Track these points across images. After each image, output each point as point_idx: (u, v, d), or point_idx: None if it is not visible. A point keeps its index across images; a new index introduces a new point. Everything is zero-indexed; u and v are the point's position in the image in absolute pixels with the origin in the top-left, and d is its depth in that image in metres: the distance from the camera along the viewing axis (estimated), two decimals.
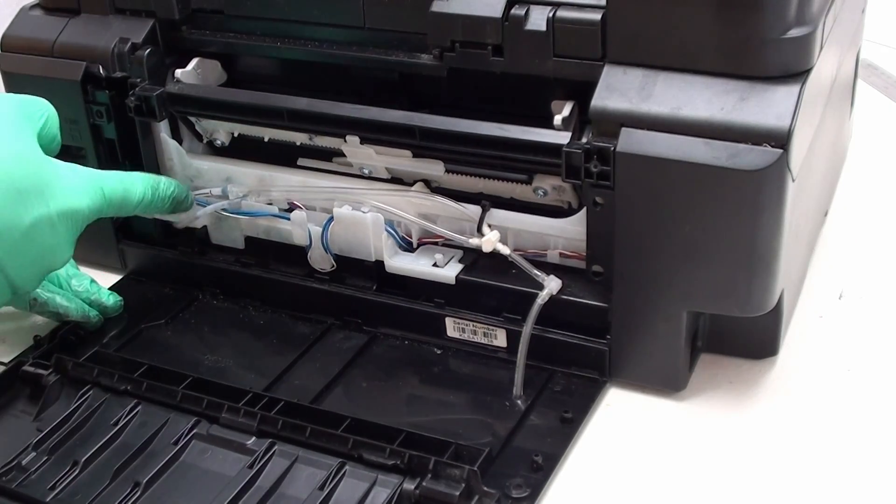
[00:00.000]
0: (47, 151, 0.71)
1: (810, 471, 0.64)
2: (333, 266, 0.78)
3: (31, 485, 0.64)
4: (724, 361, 0.73)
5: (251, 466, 0.63)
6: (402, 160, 0.75)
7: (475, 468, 0.61)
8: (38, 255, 0.67)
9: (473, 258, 0.74)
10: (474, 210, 0.72)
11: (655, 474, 0.64)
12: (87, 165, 0.79)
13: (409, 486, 0.61)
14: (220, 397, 0.68)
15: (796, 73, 0.62)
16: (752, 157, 0.61)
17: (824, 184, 0.84)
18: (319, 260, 0.78)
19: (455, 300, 0.74)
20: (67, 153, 0.81)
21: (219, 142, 0.83)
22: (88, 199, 0.69)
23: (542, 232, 0.72)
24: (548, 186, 0.72)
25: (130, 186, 0.73)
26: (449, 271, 0.73)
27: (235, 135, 0.82)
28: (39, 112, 0.71)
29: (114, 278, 0.86)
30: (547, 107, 0.70)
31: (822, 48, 0.64)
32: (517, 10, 0.67)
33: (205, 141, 0.84)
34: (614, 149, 0.63)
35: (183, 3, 0.78)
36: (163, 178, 0.76)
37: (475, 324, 0.74)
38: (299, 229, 0.77)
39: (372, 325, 0.77)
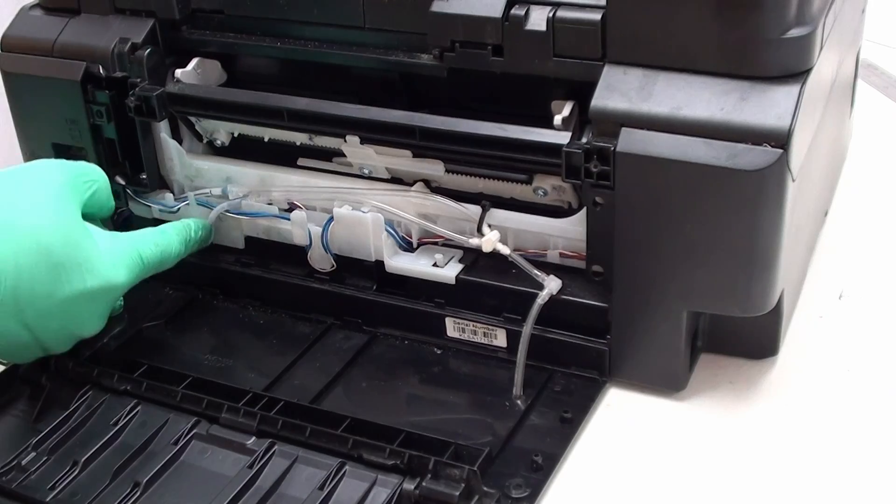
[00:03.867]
0: (98, 216, 0.73)
1: (810, 471, 0.64)
2: (333, 266, 0.78)
3: (31, 485, 0.64)
4: (724, 361, 0.73)
5: (251, 466, 0.63)
6: (402, 160, 0.75)
7: (475, 468, 0.61)
8: (70, 326, 0.68)
9: (473, 258, 0.74)
10: (474, 210, 0.72)
11: (655, 474, 0.64)
12: None
13: (409, 486, 0.61)
14: (219, 397, 0.68)
15: (796, 73, 0.62)
16: (752, 157, 0.61)
17: (824, 184, 0.84)
18: (319, 260, 0.78)
19: (455, 300, 0.74)
20: (67, 153, 0.81)
21: (219, 142, 0.83)
22: (127, 272, 0.70)
23: (542, 232, 0.72)
24: (548, 186, 0.72)
25: (167, 248, 0.74)
26: (449, 271, 0.73)
27: (235, 135, 0.82)
28: (88, 181, 0.72)
29: None
30: (547, 107, 0.70)
31: (822, 48, 0.64)
32: (517, 10, 0.67)
33: (205, 141, 0.84)
34: (614, 149, 0.63)
35: (183, 3, 0.78)
36: (191, 223, 0.77)
37: (475, 324, 0.74)
38: (299, 229, 0.77)
39: (372, 325, 0.77)
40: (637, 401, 0.70)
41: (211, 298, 0.82)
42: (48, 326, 0.66)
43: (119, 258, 0.70)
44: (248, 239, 0.81)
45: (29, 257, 0.64)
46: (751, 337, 0.72)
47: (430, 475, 0.61)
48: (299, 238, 0.78)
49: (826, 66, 0.68)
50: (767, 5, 0.60)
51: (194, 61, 0.80)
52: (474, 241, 0.72)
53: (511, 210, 0.72)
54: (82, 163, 0.73)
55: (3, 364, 0.75)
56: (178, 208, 0.81)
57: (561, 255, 0.72)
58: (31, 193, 0.67)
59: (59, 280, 0.65)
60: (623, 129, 0.63)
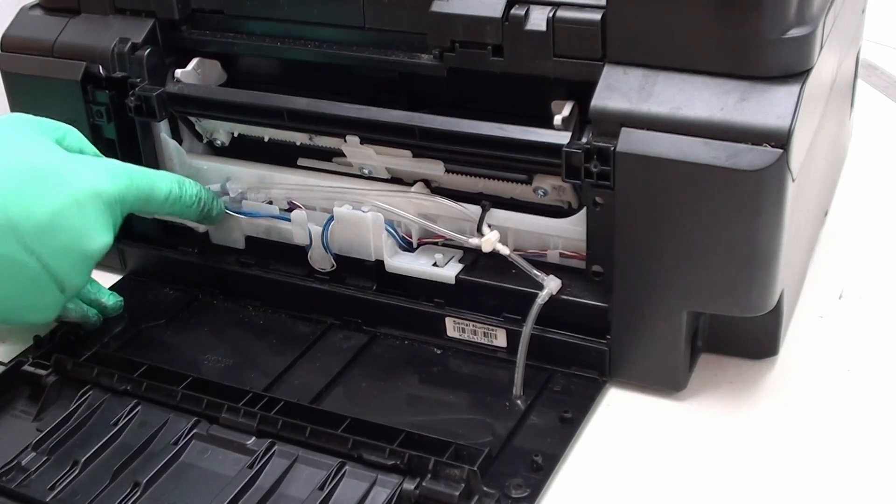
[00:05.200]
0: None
1: (810, 471, 0.64)
2: (333, 266, 0.78)
3: (31, 485, 0.64)
4: (724, 361, 0.73)
5: (251, 466, 0.63)
6: (402, 160, 0.75)
7: (475, 468, 0.61)
8: (70, 240, 0.67)
9: (473, 258, 0.74)
10: (474, 210, 0.72)
11: (655, 474, 0.64)
12: None
13: (409, 486, 0.61)
14: (219, 397, 0.68)
15: (796, 73, 0.62)
16: (752, 157, 0.61)
17: (824, 184, 0.84)
18: (319, 260, 0.78)
19: (455, 300, 0.74)
20: None
21: (219, 142, 0.83)
22: (113, 182, 0.70)
23: (542, 232, 0.72)
24: (548, 186, 0.72)
25: (157, 179, 0.74)
26: (449, 271, 0.73)
27: (235, 135, 0.82)
28: (54, 124, 0.73)
29: (114, 278, 0.86)
30: (547, 107, 0.70)
31: (822, 48, 0.64)
32: (517, 10, 0.67)
33: (205, 141, 0.84)
34: (614, 149, 0.63)
35: (183, 3, 0.78)
36: (186, 179, 0.76)
37: (475, 324, 0.74)
38: (299, 229, 0.77)
39: (372, 325, 0.77)
40: (637, 401, 0.70)
41: (211, 298, 0.82)
42: (51, 245, 0.66)
43: (104, 170, 0.70)
44: (249, 239, 0.81)
45: (10, 175, 0.65)
46: (751, 337, 0.72)
47: (430, 475, 0.61)
48: (299, 238, 0.78)
49: (826, 66, 0.68)
50: (767, 5, 0.60)
51: (194, 61, 0.80)
52: (474, 241, 0.72)
53: (511, 210, 0.72)
54: (48, 119, 0.74)
55: (2, 364, 0.75)
56: None
57: (561, 255, 0.72)
58: (5, 131, 0.69)
59: (44, 190, 0.66)
60: (623, 129, 0.63)
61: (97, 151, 0.75)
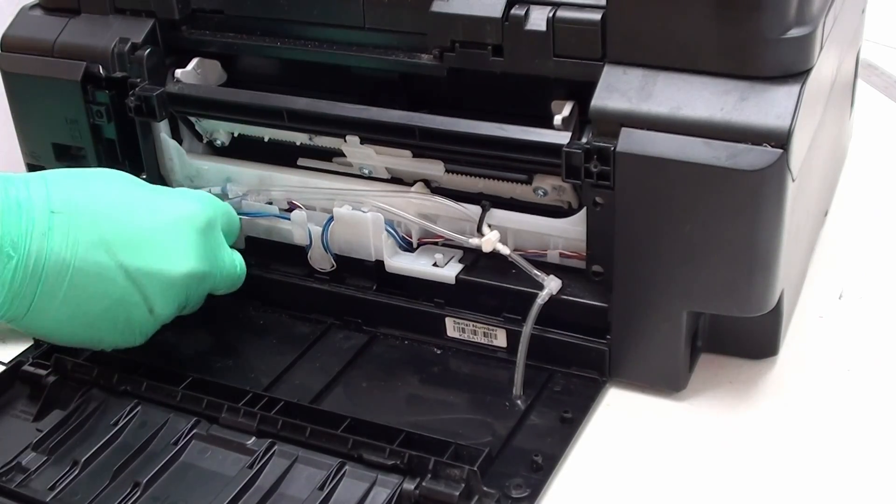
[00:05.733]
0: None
1: (810, 471, 0.64)
2: (333, 266, 0.78)
3: (31, 485, 0.64)
4: (724, 361, 0.73)
5: (251, 466, 0.63)
6: (402, 160, 0.75)
7: (475, 468, 0.61)
8: (158, 258, 0.68)
9: (473, 258, 0.74)
10: (474, 210, 0.72)
11: (655, 474, 0.64)
12: (86, 166, 0.80)
13: (409, 486, 0.61)
14: (219, 397, 0.68)
15: (796, 73, 0.62)
16: (752, 157, 0.61)
17: (824, 184, 0.84)
18: (319, 260, 0.78)
19: (455, 300, 0.74)
20: (67, 153, 0.81)
21: (219, 142, 0.83)
22: (202, 205, 0.72)
23: (542, 232, 0.72)
24: (548, 186, 0.72)
25: (232, 213, 0.76)
26: (449, 271, 0.73)
27: (235, 135, 0.82)
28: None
29: None
30: (547, 107, 0.70)
31: (822, 48, 0.64)
32: (517, 10, 0.67)
33: (205, 141, 0.84)
34: (614, 149, 0.63)
35: (183, 3, 0.78)
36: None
37: (475, 324, 0.74)
38: (299, 229, 0.77)
39: (372, 325, 0.77)
40: (637, 401, 0.70)
41: (211, 298, 0.82)
42: (143, 263, 0.67)
43: (196, 196, 0.73)
44: (248, 239, 0.81)
45: (111, 195, 0.68)
46: (751, 337, 0.72)
47: (430, 475, 0.61)
48: (299, 238, 0.78)
49: (826, 66, 0.68)
50: (767, 5, 0.60)
51: (194, 61, 0.80)
52: (474, 241, 0.72)
53: (511, 210, 0.72)
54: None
55: (2, 364, 0.75)
56: None
57: (561, 255, 0.72)
58: (100, 172, 0.72)
59: (142, 210, 0.68)
60: (623, 129, 0.63)
61: None
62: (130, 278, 0.67)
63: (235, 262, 0.75)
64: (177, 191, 0.74)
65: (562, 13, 0.66)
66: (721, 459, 0.65)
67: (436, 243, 0.76)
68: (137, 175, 0.78)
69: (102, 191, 0.68)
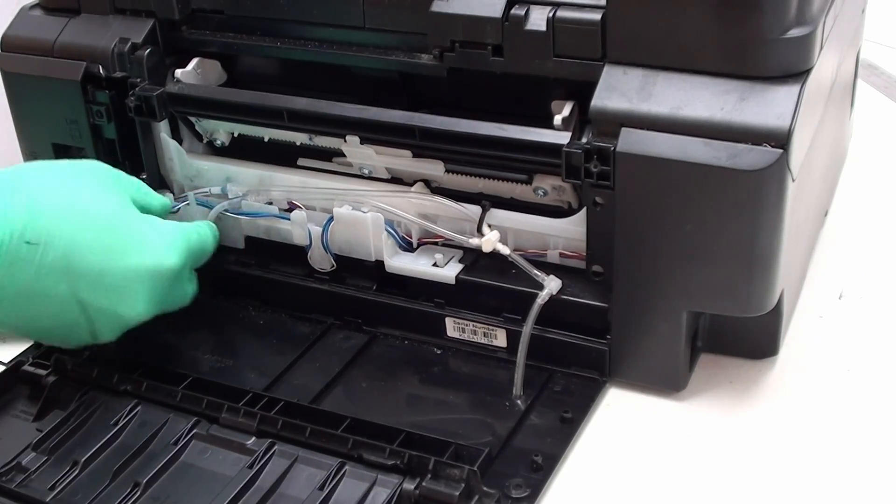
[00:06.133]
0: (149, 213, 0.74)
1: (810, 471, 0.64)
2: (333, 266, 0.78)
3: (31, 485, 0.64)
4: (724, 361, 0.73)
5: (251, 466, 0.63)
6: (402, 160, 0.75)
7: (475, 468, 0.61)
8: (116, 303, 0.68)
9: (473, 258, 0.74)
10: (474, 210, 0.72)
11: (655, 474, 0.64)
12: None
13: (409, 486, 0.61)
14: (219, 397, 0.68)
15: (796, 73, 0.62)
16: (752, 157, 0.61)
17: (824, 184, 0.84)
18: (319, 260, 0.78)
19: (455, 300, 0.74)
20: (67, 153, 0.81)
21: (219, 142, 0.83)
22: (178, 255, 0.71)
23: (542, 232, 0.72)
24: (548, 186, 0.72)
25: (205, 238, 0.76)
26: (449, 271, 0.73)
27: (235, 135, 0.82)
28: (132, 180, 0.75)
29: None
30: (547, 107, 0.70)
31: (822, 48, 0.64)
32: (517, 10, 0.67)
33: (205, 141, 0.84)
34: (614, 149, 0.63)
35: (183, 3, 0.78)
36: (202, 223, 0.77)
37: (475, 324, 0.74)
38: (299, 229, 0.77)
39: (372, 325, 0.77)
40: (637, 401, 0.70)
41: (211, 298, 0.82)
42: (98, 302, 0.67)
43: (169, 241, 0.71)
44: (248, 239, 0.81)
45: (83, 224, 0.67)
46: (751, 337, 0.72)
47: (430, 475, 0.61)
48: (299, 238, 0.78)
49: (826, 66, 0.68)
50: (767, 5, 0.60)
51: (194, 61, 0.80)
52: (474, 241, 0.72)
53: (511, 210, 0.72)
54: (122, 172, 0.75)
55: (2, 364, 0.75)
56: (179, 208, 0.80)
57: (561, 255, 0.72)
58: (86, 177, 0.70)
59: (111, 248, 0.67)
60: (623, 129, 0.63)
61: (163, 201, 0.77)
62: (84, 312, 0.68)
63: (187, 294, 0.75)
64: (155, 224, 0.72)
65: (562, 13, 0.66)
66: (721, 459, 0.65)
67: (436, 243, 0.76)
68: (137, 175, 0.79)
69: (82, 216, 0.67)
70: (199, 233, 0.75)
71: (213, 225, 0.78)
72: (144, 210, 0.73)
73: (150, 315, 0.71)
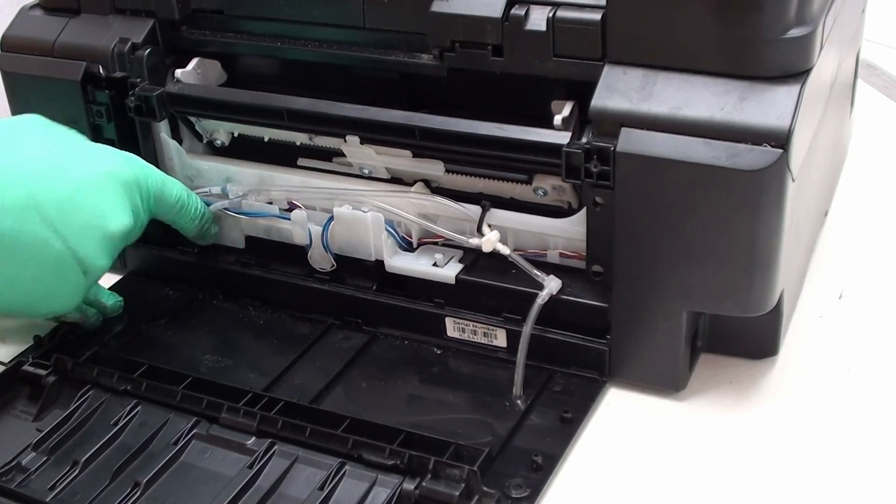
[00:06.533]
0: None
1: (810, 471, 0.64)
2: (333, 266, 0.78)
3: (31, 485, 0.64)
4: (724, 361, 0.73)
5: (251, 466, 0.63)
6: (402, 160, 0.75)
7: (475, 468, 0.61)
8: (91, 217, 0.69)
9: (473, 258, 0.74)
10: (474, 210, 0.72)
11: (655, 474, 0.64)
12: None
13: (409, 486, 0.61)
14: (219, 397, 0.68)
15: (796, 73, 0.62)
16: (752, 157, 0.61)
17: (824, 184, 0.84)
18: (319, 260, 0.78)
19: (455, 300, 0.74)
20: None
21: (219, 142, 0.83)
22: (130, 167, 0.72)
23: (542, 232, 0.72)
24: (548, 186, 0.72)
25: (168, 182, 0.76)
26: (449, 271, 0.73)
27: (235, 135, 0.82)
28: (65, 128, 0.76)
29: (114, 278, 0.86)
30: (547, 107, 0.70)
31: (822, 48, 0.64)
32: (517, 10, 0.67)
33: (205, 141, 0.84)
34: (614, 149, 0.63)
35: (183, 3, 0.78)
36: (193, 193, 0.78)
37: (475, 324, 0.74)
38: (299, 229, 0.77)
39: (372, 325, 0.77)
40: (637, 401, 0.70)
41: (211, 298, 0.82)
42: (73, 223, 0.68)
43: (123, 157, 0.73)
44: (248, 239, 0.81)
45: (34, 159, 0.68)
46: (751, 337, 0.72)
47: (430, 475, 0.61)
48: (299, 238, 0.78)
49: (826, 66, 0.68)
50: (767, 5, 0.60)
51: (194, 61, 0.80)
52: (474, 241, 0.72)
53: (511, 210, 0.72)
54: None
55: (2, 364, 0.75)
56: None
57: (561, 255, 0.72)
58: (27, 125, 0.73)
59: (65, 169, 0.68)
60: (623, 129, 0.63)
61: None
62: (64, 241, 0.68)
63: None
64: (103, 147, 0.74)
65: (562, 13, 0.66)
66: (721, 459, 0.65)
67: (436, 243, 0.76)
68: None
69: (30, 147, 0.69)
70: (160, 173, 0.76)
71: (201, 200, 0.78)
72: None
73: (129, 225, 0.71)
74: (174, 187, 0.76)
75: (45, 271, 0.68)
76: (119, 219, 0.71)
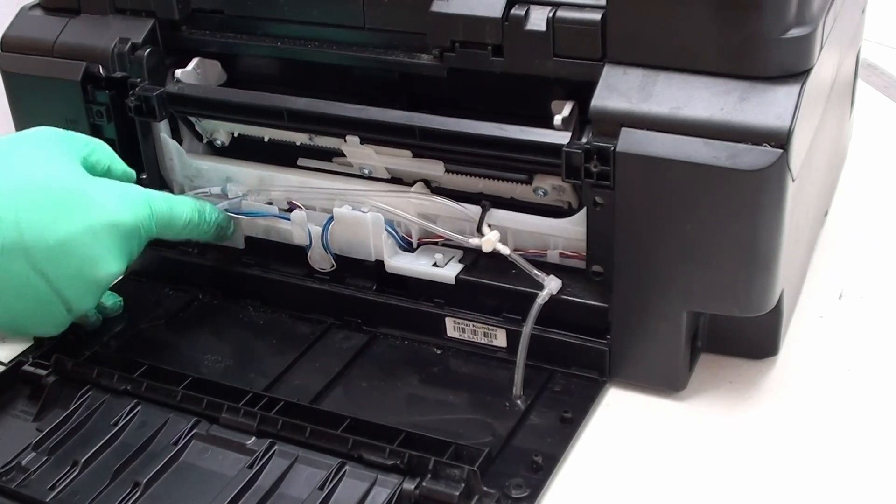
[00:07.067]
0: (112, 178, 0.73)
1: (810, 471, 0.64)
2: (333, 266, 0.78)
3: (31, 485, 0.64)
4: (724, 361, 0.73)
5: (251, 466, 0.63)
6: (402, 160, 0.75)
7: (475, 468, 0.61)
8: (81, 266, 0.68)
9: (473, 258, 0.74)
10: (474, 210, 0.72)
11: (655, 474, 0.64)
12: None
13: (409, 486, 0.61)
14: (219, 397, 0.68)
15: (796, 73, 0.62)
16: (752, 157, 0.61)
17: (824, 184, 0.84)
18: (319, 260, 0.78)
19: (455, 300, 0.74)
20: None
21: (219, 142, 0.83)
22: (132, 212, 0.70)
23: (542, 232, 0.72)
24: (548, 186, 0.72)
25: (177, 206, 0.74)
26: (449, 271, 0.73)
27: (235, 135, 0.82)
28: (85, 141, 0.74)
29: None
30: (547, 107, 0.70)
31: (822, 48, 0.64)
32: (517, 10, 0.67)
33: (205, 141, 0.84)
34: (614, 149, 0.63)
35: (183, 3, 0.78)
36: (207, 204, 0.77)
37: (475, 324, 0.74)
38: (299, 229, 0.77)
39: (372, 325, 0.77)
40: (637, 401, 0.70)
41: (211, 298, 0.82)
42: (61, 270, 0.67)
43: (125, 198, 0.71)
44: (248, 239, 0.81)
45: (29, 196, 0.66)
46: (751, 337, 0.72)
47: (430, 475, 0.61)
48: (299, 238, 0.78)
49: (826, 66, 0.68)
50: (767, 5, 0.60)
51: (194, 61, 0.80)
52: (474, 241, 0.72)
53: (511, 210, 0.72)
54: (78, 134, 0.75)
55: (2, 364, 0.75)
56: None
57: (561, 255, 0.72)
58: (30, 148, 0.70)
59: (60, 214, 0.67)
60: (623, 129, 0.63)
61: (126, 168, 0.76)
62: (51, 286, 0.67)
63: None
64: (108, 184, 0.71)
65: (562, 13, 0.66)
66: (721, 459, 0.65)
67: (436, 243, 0.76)
68: (138, 175, 0.79)
69: (26, 190, 0.67)
70: (167, 198, 0.74)
71: (217, 209, 0.77)
72: (104, 173, 0.73)
73: (120, 271, 0.71)
74: (183, 211, 0.74)
75: (29, 307, 0.68)
76: (110, 267, 0.70)
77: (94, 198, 0.69)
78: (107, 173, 0.74)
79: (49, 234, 0.66)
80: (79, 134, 0.74)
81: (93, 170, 0.73)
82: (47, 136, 0.72)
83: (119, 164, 0.75)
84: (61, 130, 0.73)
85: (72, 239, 0.67)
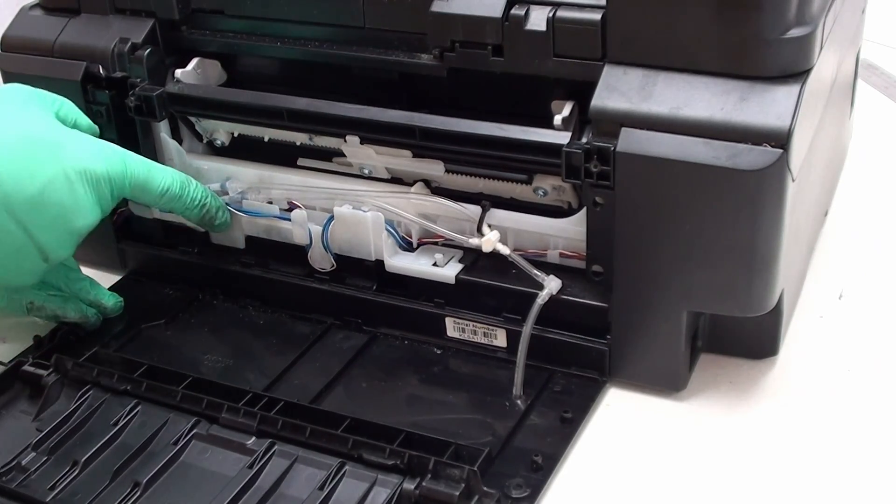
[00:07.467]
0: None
1: (810, 471, 0.64)
2: (333, 266, 0.78)
3: (31, 485, 0.64)
4: (724, 361, 0.73)
5: (251, 466, 0.63)
6: (402, 160, 0.75)
7: (475, 468, 0.61)
8: (58, 215, 0.68)
9: (473, 258, 0.74)
10: (474, 210, 0.72)
11: (655, 474, 0.64)
12: None
13: (409, 486, 0.61)
14: (219, 397, 0.68)
15: (796, 73, 0.62)
16: (752, 157, 0.61)
17: (824, 184, 0.84)
18: (319, 259, 0.78)
19: (455, 300, 0.74)
20: None
21: (219, 142, 0.83)
22: (107, 164, 0.71)
23: (542, 232, 0.72)
24: (548, 186, 0.72)
25: (156, 172, 0.74)
26: (449, 271, 0.73)
27: (235, 135, 0.82)
28: (53, 97, 0.74)
29: (114, 278, 0.86)
30: (547, 107, 0.70)
31: (822, 48, 0.64)
32: (517, 10, 0.67)
33: (205, 141, 0.84)
34: (614, 149, 0.63)
35: (183, 3, 0.78)
36: (194, 182, 0.76)
37: (475, 324, 0.74)
38: (299, 229, 0.77)
39: (372, 325, 0.77)
40: (637, 401, 0.70)
41: (211, 298, 0.82)
42: (40, 219, 0.68)
43: (99, 149, 0.71)
44: (249, 239, 0.81)
45: (7, 147, 0.67)
46: (751, 337, 0.72)
47: (430, 475, 0.61)
48: (299, 237, 0.78)
49: (826, 66, 0.68)
50: (767, 5, 0.60)
51: (194, 61, 0.80)
52: (474, 241, 0.72)
53: (511, 210, 0.72)
54: (45, 91, 0.75)
55: (2, 364, 0.75)
56: None
57: (561, 255, 0.72)
58: (3, 103, 0.71)
59: (38, 164, 0.67)
60: (623, 129, 0.63)
61: (91, 123, 0.76)
62: (28, 234, 0.68)
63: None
64: (82, 137, 0.72)
65: (562, 13, 0.66)
66: (721, 459, 0.65)
67: (436, 243, 0.76)
68: None
69: (4, 132, 0.68)
70: (145, 160, 0.73)
71: (209, 192, 0.77)
72: (73, 126, 0.73)
73: (95, 221, 0.71)
74: (162, 177, 0.73)
75: (5, 254, 0.69)
76: (86, 216, 0.70)
77: (67, 146, 0.70)
78: (75, 127, 0.74)
79: (27, 183, 0.67)
80: (44, 91, 0.74)
81: (63, 123, 0.73)
82: (18, 92, 0.73)
83: (84, 120, 0.76)
84: (31, 87, 0.74)
85: (48, 186, 0.68)
